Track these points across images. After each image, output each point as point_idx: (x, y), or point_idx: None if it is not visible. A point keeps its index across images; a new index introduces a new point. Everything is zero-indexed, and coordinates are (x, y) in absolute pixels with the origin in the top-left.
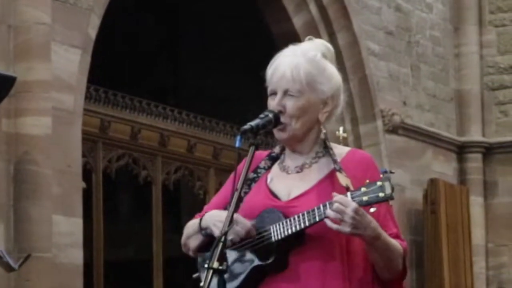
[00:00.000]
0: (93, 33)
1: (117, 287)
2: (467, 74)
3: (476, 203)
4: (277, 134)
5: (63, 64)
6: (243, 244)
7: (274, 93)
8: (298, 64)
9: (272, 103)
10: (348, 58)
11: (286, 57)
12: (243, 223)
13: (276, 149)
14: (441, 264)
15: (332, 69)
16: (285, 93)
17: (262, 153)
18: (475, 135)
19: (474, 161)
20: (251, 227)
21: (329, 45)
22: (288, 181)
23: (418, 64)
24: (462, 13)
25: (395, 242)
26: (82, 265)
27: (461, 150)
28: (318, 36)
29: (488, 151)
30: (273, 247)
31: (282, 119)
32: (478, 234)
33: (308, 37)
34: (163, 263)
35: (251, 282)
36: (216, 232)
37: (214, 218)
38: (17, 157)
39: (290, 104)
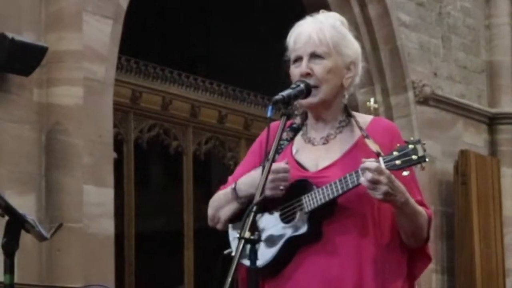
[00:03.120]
0: (124, 3)
1: (147, 257)
2: (498, 45)
3: (507, 174)
4: (306, 101)
5: (95, 35)
6: (280, 208)
7: (299, 59)
8: (322, 28)
9: (297, 70)
10: (379, 29)
11: (307, 24)
12: (282, 168)
13: (297, 120)
14: (472, 236)
15: (351, 36)
16: (312, 56)
17: None
18: (506, 106)
19: (505, 133)
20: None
21: (343, 18)
22: (314, 152)
23: (449, 35)
24: None
25: (421, 209)
26: (113, 236)
27: (492, 122)
28: (349, 7)
29: None
30: (307, 218)
31: (311, 82)
32: (508, 206)
33: (321, 10)
34: (194, 234)
35: (286, 253)
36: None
37: (251, 182)
38: (48, 127)
39: (319, 67)
